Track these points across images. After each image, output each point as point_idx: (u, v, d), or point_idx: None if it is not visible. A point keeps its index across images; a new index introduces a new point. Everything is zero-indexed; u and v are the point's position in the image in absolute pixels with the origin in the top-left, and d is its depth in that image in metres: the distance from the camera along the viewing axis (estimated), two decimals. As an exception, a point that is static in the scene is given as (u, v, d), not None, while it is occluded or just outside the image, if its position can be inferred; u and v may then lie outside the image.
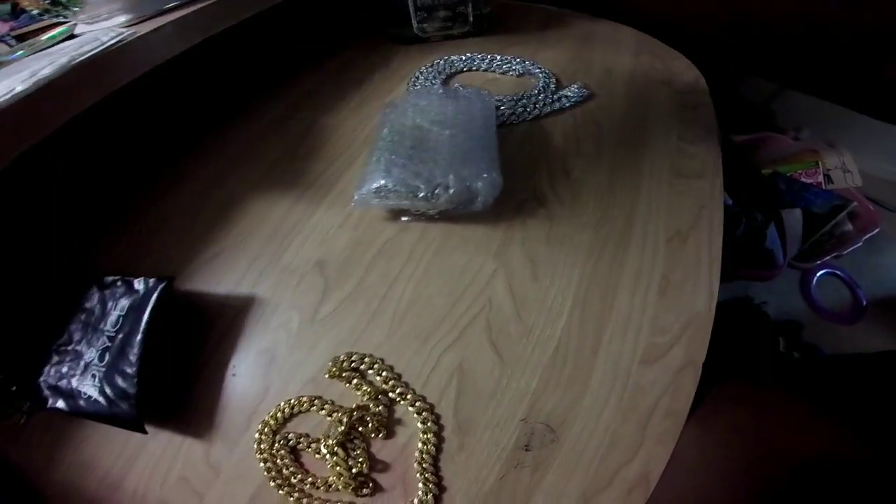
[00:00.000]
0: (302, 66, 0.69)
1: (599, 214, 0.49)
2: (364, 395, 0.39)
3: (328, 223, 0.50)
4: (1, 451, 0.39)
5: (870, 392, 0.43)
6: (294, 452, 0.38)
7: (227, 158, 0.57)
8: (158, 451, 0.38)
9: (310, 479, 0.36)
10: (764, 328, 0.96)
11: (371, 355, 0.41)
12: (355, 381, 0.40)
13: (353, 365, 0.41)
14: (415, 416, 0.38)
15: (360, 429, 0.38)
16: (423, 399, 0.39)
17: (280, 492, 0.35)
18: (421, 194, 0.45)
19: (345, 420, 0.38)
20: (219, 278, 0.47)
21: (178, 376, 0.41)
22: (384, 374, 0.40)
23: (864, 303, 1.22)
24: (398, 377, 0.40)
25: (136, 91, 0.47)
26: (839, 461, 0.38)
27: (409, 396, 0.39)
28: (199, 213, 0.52)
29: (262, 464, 0.37)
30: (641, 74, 0.66)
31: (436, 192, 0.45)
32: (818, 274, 1.28)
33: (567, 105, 0.60)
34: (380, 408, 0.38)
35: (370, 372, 0.40)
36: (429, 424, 0.37)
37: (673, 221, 0.47)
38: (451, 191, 0.44)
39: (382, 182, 0.45)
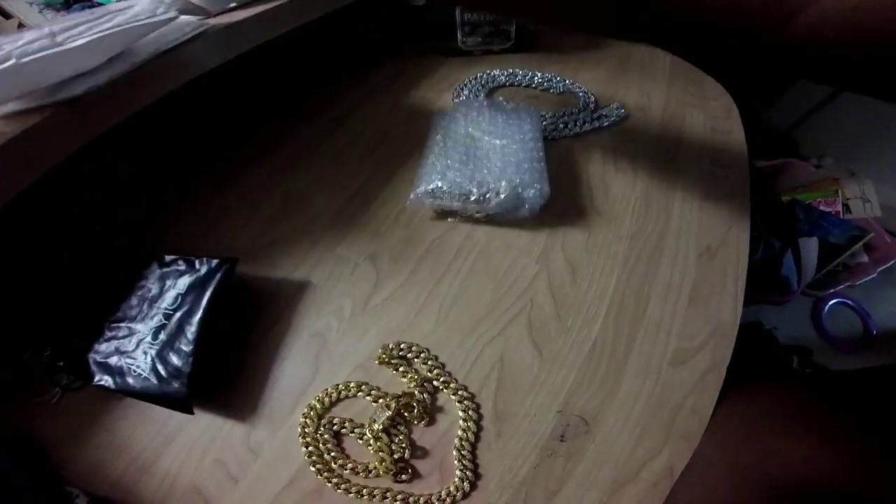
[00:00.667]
0: (351, 74, 0.72)
1: (635, 228, 0.52)
2: (410, 381, 0.41)
3: (381, 219, 0.53)
4: (32, 426, 0.39)
5: (882, 405, 0.44)
6: (337, 437, 0.39)
7: (286, 155, 0.60)
8: (197, 433, 0.39)
9: (350, 465, 0.37)
10: (774, 351, 0.97)
11: (418, 345, 0.43)
12: (402, 368, 0.42)
13: (401, 353, 0.43)
14: (456, 404, 0.40)
15: (406, 414, 0.39)
16: (465, 388, 0.41)
17: (319, 476, 0.36)
18: (473, 197, 0.48)
19: (392, 405, 0.39)
20: (276, 263, 0.49)
21: (230, 358, 0.42)
22: (430, 363, 0.42)
23: (875, 332, 1.22)
24: (442, 367, 0.42)
25: (203, 84, 0.49)
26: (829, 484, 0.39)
27: (451, 385, 0.41)
28: (259, 203, 0.54)
29: (303, 448, 0.37)
30: (676, 98, 0.69)
31: (486, 196, 0.48)
32: (830, 303, 1.28)
33: (605, 124, 0.62)
34: (424, 395, 0.40)
35: (417, 360, 0.43)
36: (469, 413, 0.39)
37: (703, 238, 0.50)
38: (503, 196, 0.47)
39: (438, 184, 0.48)
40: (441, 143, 0.53)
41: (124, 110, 0.41)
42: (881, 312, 1.26)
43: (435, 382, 0.42)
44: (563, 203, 0.53)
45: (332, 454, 0.37)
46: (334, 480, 0.36)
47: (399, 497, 0.35)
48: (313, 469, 0.36)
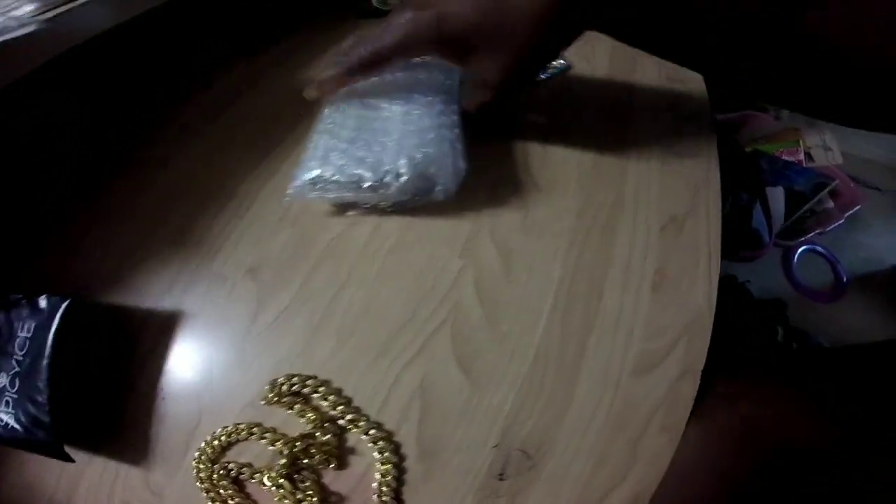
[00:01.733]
0: (246, 47, 0.59)
1: (582, 198, 0.41)
2: (308, 422, 0.32)
3: (264, 220, 0.41)
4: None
5: (871, 385, 0.38)
6: (237, 482, 0.31)
7: (159, 150, 0.48)
8: (96, 475, 0.32)
9: None
10: (754, 311, 0.89)
11: (315, 377, 0.33)
12: (298, 406, 0.32)
13: (293, 388, 0.33)
14: (369, 444, 0.31)
15: (305, 461, 0.31)
16: (379, 426, 0.31)
17: None
18: (366, 184, 0.36)
19: (285, 452, 0.31)
20: (144, 287, 0.38)
21: (103, 398, 0.35)
22: (331, 398, 0.32)
23: (845, 279, 1.17)
24: (348, 401, 0.32)
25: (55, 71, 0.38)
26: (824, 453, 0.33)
27: (361, 424, 0.31)
28: (127, 214, 0.43)
29: (203, 493, 0.31)
30: (624, 46, 0.57)
31: (384, 180, 0.36)
32: (800, 251, 1.22)
33: (542, 77, 0.51)
34: (328, 436, 0.31)
35: (315, 396, 0.33)
36: (386, 454, 0.30)
37: (666, 206, 0.39)
38: (403, 178, 0.36)
39: (318, 172, 0.37)
40: (328, 119, 0.42)
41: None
42: (848, 258, 1.22)
43: (340, 421, 0.32)
44: (490, 177, 0.43)
45: (236, 500, 0.30)
46: None
47: None
48: None
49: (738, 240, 0.98)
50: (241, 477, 0.31)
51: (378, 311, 0.35)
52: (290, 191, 0.38)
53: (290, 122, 0.48)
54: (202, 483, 0.31)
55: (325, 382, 0.33)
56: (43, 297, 0.34)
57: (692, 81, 0.52)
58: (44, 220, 0.43)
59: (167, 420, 0.33)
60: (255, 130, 0.48)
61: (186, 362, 0.35)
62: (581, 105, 0.50)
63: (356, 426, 0.31)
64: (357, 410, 0.32)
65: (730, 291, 1.02)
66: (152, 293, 0.38)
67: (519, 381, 0.32)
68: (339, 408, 0.32)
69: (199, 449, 0.32)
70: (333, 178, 0.37)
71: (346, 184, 0.37)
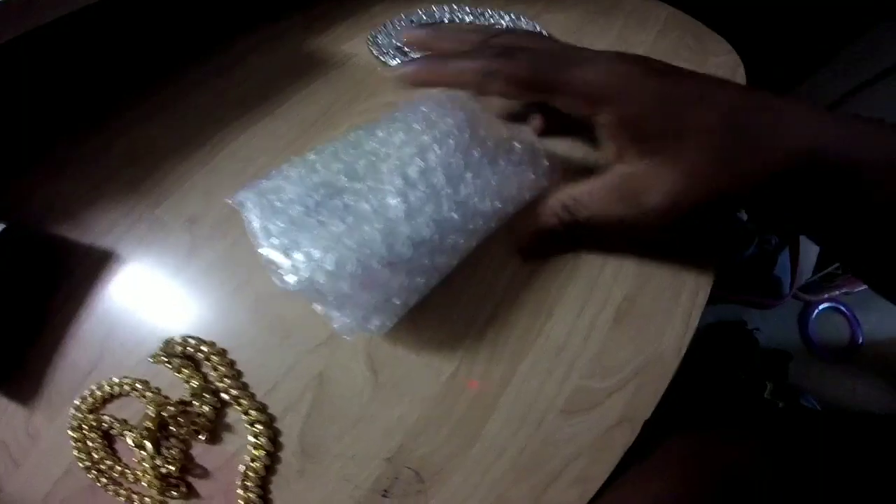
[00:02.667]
0: (255, 22, 0.53)
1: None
2: (190, 390, 0.28)
3: (221, 174, 0.37)
4: None
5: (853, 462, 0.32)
6: (108, 437, 0.28)
7: (147, 108, 0.43)
8: None
9: (118, 468, 0.27)
10: (751, 360, 0.80)
11: (213, 344, 0.29)
12: (186, 371, 0.28)
13: (187, 352, 0.29)
14: (246, 426, 0.27)
15: (173, 429, 0.27)
16: (263, 409, 0.27)
17: (89, 475, 0.27)
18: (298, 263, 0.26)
19: (151, 415, 0.27)
20: (91, 225, 0.35)
21: (15, 329, 0.31)
22: (221, 369, 0.28)
23: (861, 342, 1.05)
24: (237, 376, 0.28)
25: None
26: None
27: (243, 402, 0.27)
28: (100, 157, 0.39)
29: (72, 442, 0.28)
30: (666, 51, 0.50)
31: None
32: (820, 307, 1.10)
33: None
34: (206, 408, 0.27)
35: (206, 363, 0.28)
36: (262, 440, 0.26)
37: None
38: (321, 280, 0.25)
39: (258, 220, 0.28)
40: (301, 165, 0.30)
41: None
42: (872, 321, 1.10)
43: (223, 395, 0.27)
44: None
45: (101, 454, 0.27)
46: (103, 481, 0.27)
47: None
48: (81, 466, 0.27)
49: (756, 285, 0.88)
50: (112, 432, 0.28)
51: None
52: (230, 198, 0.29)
53: (278, 95, 0.43)
54: (74, 432, 0.28)
55: (221, 352, 0.29)
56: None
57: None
58: (22, 152, 0.40)
59: (65, 361, 0.30)
60: (247, 93, 0.43)
61: (103, 304, 0.32)
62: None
63: (238, 403, 0.27)
64: (244, 388, 0.28)
65: (735, 337, 0.93)
66: (94, 231, 0.35)
67: (429, 397, 0.27)
68: (226, 381, 0.28)
69: (81, 397, 0.28)
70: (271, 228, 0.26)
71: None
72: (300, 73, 0.45)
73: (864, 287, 1.07)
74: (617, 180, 0.27)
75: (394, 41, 0.48)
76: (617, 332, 0.29)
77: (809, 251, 0.91)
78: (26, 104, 0.41)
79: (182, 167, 0.38)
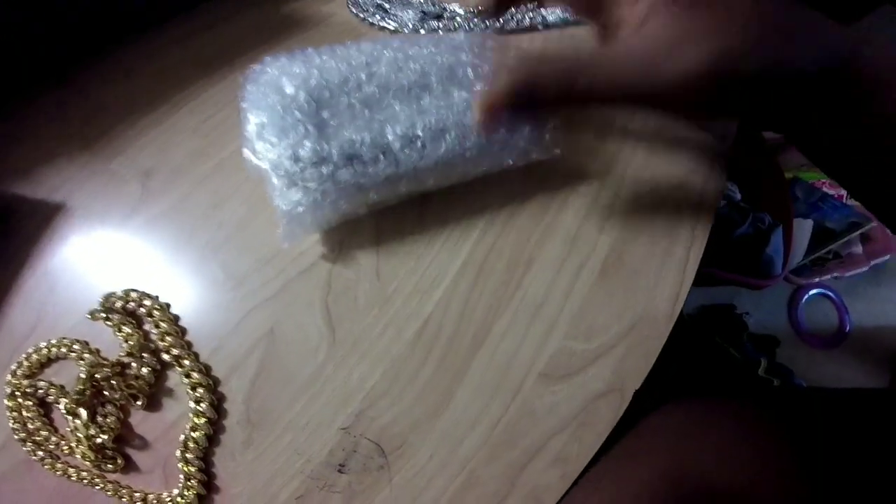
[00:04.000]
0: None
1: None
2: (131, 348, 0.23)
3: (179, 129, 0.33)
4: None
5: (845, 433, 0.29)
6: (44, 405, 0.24)
7: (120, 64, 0.38)
8: None
9: (54, 440, 0.23)
10: (740, 344, 0.75)
11: (155, 298, 0.25)
12: (126, 329, 0.24)
13: (129, 307, 0.25)
14: (188, 390, 0.22)
15: (108, 393, 0.23)
16: (206, 371, 0.23)
17: (24, 447, 0.23)
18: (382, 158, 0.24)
19: (83, 377, 0.23)
20: (43, 180, 0.31)
21: None
22: (163, 325, 0.24)
23: (848, 329, 1.01)
24: (180, 333, 0.24)
25: None
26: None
27: (185, 363, 0.23)
28: (61, 113, 0.35)
29: (7, 412, 0.24)
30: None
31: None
32: (810, 292, 1.06)
33: (541, 20, 0.39)
34: (144, 370, 0.23)
35: (149, 320, 0.24)
36: (203, 406, 0.22)
37: (650, 171, 0.28)
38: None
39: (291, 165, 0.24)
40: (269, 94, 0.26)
41: None
42: (860, 309, 1.05)
43: (164, 355, 0.23)
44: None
45: (36, 425, 0.23)
46: (39, 454, 0.23)
47: (110, 487, 0.22)
48: (17, 438, 0.23)
49: (747, 264, 0.83)
50: (48, 399, 0.24)
51: (251, 234, 0.26)
52: (281, 235, 0.24)
53: (251, 49, 0.39)
54: (8, 400, 0.24)
55: (164, 306, 0.24)
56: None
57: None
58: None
59: (4, 323, 0.26)
60: (215, 55, 0.39)
61: (42, 261, 0.27)
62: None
63: (179, 364, 0.23)
64: (186, 347, 0.23)
65: (725, 320, 0.88)
66: (46, 187, 0.30)
67: (391, 357, 0.22)
68: (168, 339, 0.24)
69: (17, 361, 0.24)
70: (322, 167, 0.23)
71: (346, 166, 0.23)
72: (273, 34, 0.41)
73: (854, 272, 1.03)
74: (638, 43, 0.21)
75: (374, -1, 0.43)
76: (603, 287, 0.25)
77: (803, 233, 0.86)
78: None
79: (140, 124, 0.34)
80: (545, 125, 0.25)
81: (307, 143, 0.23)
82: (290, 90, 0.24)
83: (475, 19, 0.40)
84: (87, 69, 0.38)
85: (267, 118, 0.23)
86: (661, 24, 0.20)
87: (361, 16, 0.42)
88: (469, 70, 0.26)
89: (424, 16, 0.40)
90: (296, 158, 0.23)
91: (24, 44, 0.37)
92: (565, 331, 0.23)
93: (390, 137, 0.23)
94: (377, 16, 0.41)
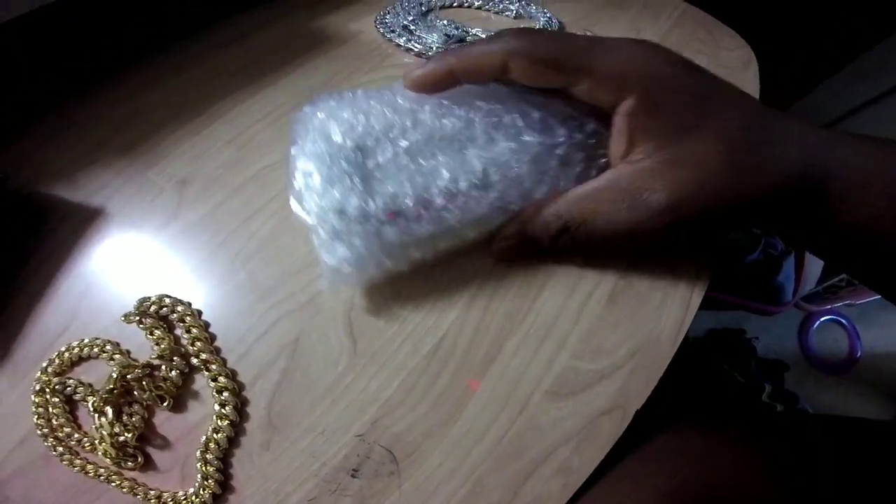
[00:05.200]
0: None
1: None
2: (161, 351, 0.25)
3: (214, 139, 0.35)
4: None
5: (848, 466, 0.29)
6: (70, 402, 0.25)
7: (155, 72, 0.41)
8: None
9: (76, 436, 0.24)
10: (748, 368, 0.76)
11: (188, 304, 0.27)
12: (158, 332, 0.26)
13: (162, 312, 0.27)
14: (213, 394, 0.24)
15: (136, 393, 0.24)
16: (232, 376, 0.25)
17: (45, 443, 0.24)
18: (438, 197, 0.24)
19: (114, 377, 0.24)
20: (83, 184, 0.33)
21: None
22: (194, 331, 0.26)
23: (859, 355, 1.00)
24: (210, 339, 0.25)
25: None
26: None
27: (213, 367, 0.24)
28: (103, 120, 0.37)
29: (33, 407, 0.25)
30: (678, 42, 0.47)
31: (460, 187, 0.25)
32: (822, 319, 1.05)
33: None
34: (173, 373, 0.25)
35: (180, 325, 0.26)
36: (227, 409, 0.24)
37: None
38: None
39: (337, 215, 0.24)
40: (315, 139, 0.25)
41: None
42: (872, 336, 1.05)
43: (193, 359, 0.25)
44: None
45: (61, 420, 0.25)
46: (59, 449, 0.24)
47: (126, 484, 0.23)
48: (39, 433, 0.24)
49: (757, 290, 0.84)
50: (76, 397, 0.25)
51: (278, 247, 0.28)
52: (326, 287, 0.26)
53: (281, 62, 0.41)
54: (36, 396, 0.25)
55: (196, 313, 0.26)
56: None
57: (746, 90, 0.41)
58: (22, 115, 0.37)
59: (37, 324, 0.27)
60: (248, 66, 0.41)
61: (80, 263, 0.29)
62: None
63: (207, 369, 0.24)
64: (215, 352, 0.25)
65: (733, 344, 0.88)
66: (84, 191, 0.32)
67: (408, 369, 0.24)
68: (198, 344, 0.25)
69: (49, 359, 0.26)
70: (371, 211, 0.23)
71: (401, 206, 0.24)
72: (303, 49, 0.43)
73: (868, 300, 1.02)
74: (621, 177, 0.24)
75: (401, 20, 0.45)
76: (611, 312, 0.26)
77: (815, 260, 0.86)
78: (29, 70, 0.39)
79: (177, 133, 0.36)
80: (590, 175, 0.26)
81: (353, 199, 0.23)
82: (337, 138, 0.24)
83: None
84: (122, 76, 0.40)
85: (314, 167, 0.24)
86: (640, 160, 0.23)
87: (388, 36, 0.44)
88: (517, 118, 0.25)
89: (448, 39, 0.42)
90: (341, 213, 0.23)
91: (70, 48, 0.40)
92: (573, 352, 0.25)
93: (434, 191, 0.24)
94: (403, 37, 0.43)
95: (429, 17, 0.47)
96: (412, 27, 0.44)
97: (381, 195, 0.23)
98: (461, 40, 0.42)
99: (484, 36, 0.42)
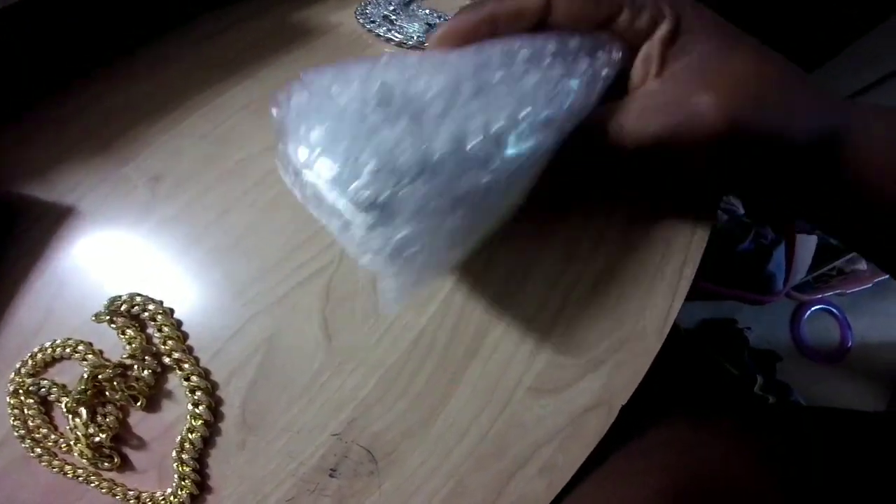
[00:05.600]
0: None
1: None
2: (133, 351, 0.24)
3: (190, 135, 0.34)
4: None
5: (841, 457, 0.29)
6: (45, 404, 0.25)
7: (130, 70, 0.39)
8: None
9: (53, 437, 0.24)
10: (740, 359, 0.76)
11: (159, 303, 0.26)
12: (130, 331, 0.25)
13: (133, 311, 0.26)
14: (187, 393, 0.23)
15: (109, 393, 0.24)
16: (205, 375, 0.24)
17: (23, 444, 0.24)
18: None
19: (86, 377, 0.24)
20: (56, 183, 0.32)
21: None
22: (166, 329, 0.25)
23: (850, 345, 1.01)
24: (182, 338, 0.25)
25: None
26: None
27: (186, 366, 0.24)
28: (77, 118, 0.36)
29: (9, 409, 0.25)
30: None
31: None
32: (812, 308, 1.06)
33: None
34: (145, 372, 0.24)
35: (151, 323, 0.25)
36: (201, 409, 0.23)
37: (646, 188, 0.28)
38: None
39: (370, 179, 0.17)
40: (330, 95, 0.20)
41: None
42: (863, 324, 1.05)
43: (165, 358, 0.24)
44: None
45: (36, 422, 0.25)
46: (37, 451, 0.24)
47: (105, 485, 0.23)
48: (16, 435, 0.24)
49: (748, 280, 0.84)
50: (50, 398, 0.25)
51: (255, 241, 0.27)
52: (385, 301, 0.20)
53: (259, 56, 0.40)
54: (11, 397, 0.25)
55: (168, 311, 0.25)
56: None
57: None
58: (2, 113, 0.36)
59: (11, 325, 0.27)
60: (225, 61, 0.40)
61: (53, 263, 0.28)
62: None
63: (180, 368, 0.24)
64: (188, 351, 0.24)
65: (725, 334, 0.88)
66: (58, 190, 0.32)
67: (386, 366, 0.23)
68: (170, 343, 0.24)
69: (22, 360, 0.25)
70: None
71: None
72: (283, 42, 0.42)
73: (858, 289, 1.03)
74: (659, 86, 0.21)
75: (382, 10, 0.44)
76: (594, 303, 0.25)
77: (806, 249, 0.86)
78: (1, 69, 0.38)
79: (153, 129, 0.35)
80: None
81: (407, 148, 0.16)
82: (355, 86, 0.18)
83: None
84: (99, 73, 0.39)
85: (329, 126, 0.17)
86: (680, 69, 0.21)
87: (368, 27, 0.43)
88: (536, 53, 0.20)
89: (430, 28, 0.41)
90: (391, 170, 0.16)
91: (42, 46, 0.39)
92: (555, 346, 0.24)
93: (497, 128, 0.18)
94: (384, 27, 0.42)
95: (410, 7, 0.46)
96: (393, 17, 0.43)
97: (441, 137, 0.17)
98: (444, 29, 0.41)
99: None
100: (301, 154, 0.18)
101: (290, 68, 0.39)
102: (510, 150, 0.18)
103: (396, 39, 0.40)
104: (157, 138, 0.34)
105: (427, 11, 0.43)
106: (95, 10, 0.40)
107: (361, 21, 0.43)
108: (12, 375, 0.25)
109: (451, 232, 0.18)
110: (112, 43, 0.41)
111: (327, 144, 0.17)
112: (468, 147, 0.17)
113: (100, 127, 0.35)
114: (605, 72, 0.21)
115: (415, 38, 0.40)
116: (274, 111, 0.20)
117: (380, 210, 0.17)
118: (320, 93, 0.19)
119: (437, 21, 0.42)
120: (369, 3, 0.45)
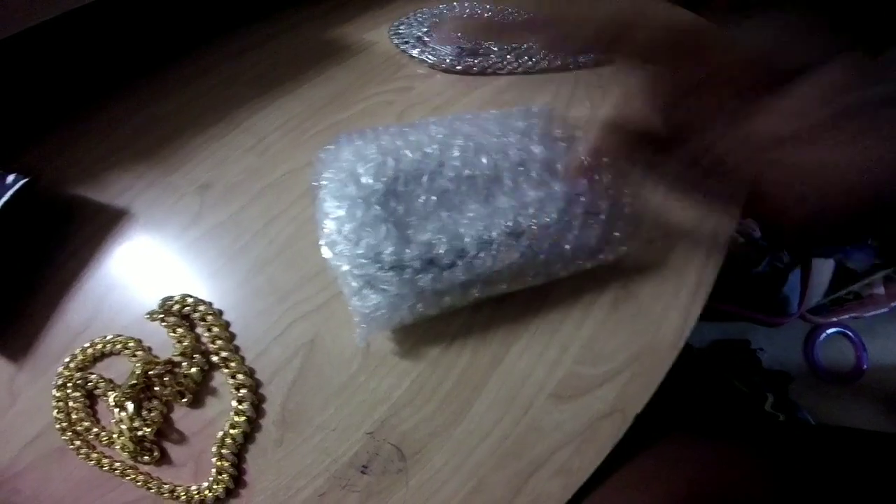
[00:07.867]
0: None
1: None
2: (183, 349, 0.27)
3: (235, 146, 0.36)
4: None
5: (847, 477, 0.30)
6: (90, 397, 0.27)
7: (171, 80, 0.43)
8: None
9: (94, 430, 0.26)
10: (753, 375, 0.76)
11: (209, 304, 0.28)
12: (181, 330, 0.27)
13: (184, 311, 0.28)
14: (232, 390, 0.25)
15: (156, 388, 0.26)
16: (250, 373, 0.26)
17: (63, 436, 0.25)
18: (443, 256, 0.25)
19: (137, 372, 0.26)
20: (106, 186, 0.35)
21: (17, 281, 0.30)
22: (215, 329, 0.27)
23: (865, 367, 1.00)
24: (229, 338, 0.27)
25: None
26: None
27: (232, 365, 0.26)
28: (127, 125, 0.39)
29: (53, 402, 0.26)
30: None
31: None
32: (828, 331, 1.05)
33: (573, 61, 0.42)
34: (193, 370, 0.26)
35: (202, 324, 0.27)
36: (244, 406, 0.25)
37: (666, 211, 0.30)
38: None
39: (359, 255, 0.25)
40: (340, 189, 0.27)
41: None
42: (878, 347, 1.04)
43: (213, 357, 0.26)
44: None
45: (80, 414, 0.26)
46: (77, 443, 0.25)
47: (140, 478, 0.24)
48: (57, 427, 0.25)
49: (762, 302, 0.84)
50: (96, 392, 0.27)
51: (297, 251, 0.30)
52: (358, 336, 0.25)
53: (296, 72, 0.43)
54: (57, 390, 0.27)
55: (217, 313, 0.27)
56: (12, 174, 0.31)
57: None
58: (50, 118, 0.39)
59: (60, 321, 0.29)
60: (264, 75, 0.43)
61: (104, 263, 0.31)
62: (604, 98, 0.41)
63: (226, 366, 0.26)
64: (234, 350, 0.26)
65: (738, 355, 0.89)
66: (109, 192, 0.34)
67: (418, 370, 0.25)
68: (218, 342, 0.27)
69: (72, 354, 0.27)
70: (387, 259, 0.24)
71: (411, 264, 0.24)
72: (318, 59, 0.44)
73: (874, 313, 1.02)
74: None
75: (415, 31, 0.47)
76: (613, 319, 0.27)
77: (822, 272, 0.87)
78: (57, 75, 0.41)
79: (198, 139, 0.37)
80: (615, 223, 0.27)
81: (389, 246, 0.24)
82: (367, 180, 0.25)
83: (509, 56, 0.43)
84: (140, 83, 0.42)
85: (346, 212, 0.24)
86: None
87: (402, 47, 0.45)
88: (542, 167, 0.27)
89: (461, 51, 0.44)
90: (377, 260, 0.24)
91: (90, 56, 0.41)
92: (575, 356, 0.26)
93: (467, 240, 0.24)
94: (417, 48, 0.45)
95: (443, 30, 0.48)
96: (426, 38, 0.46)
97: (417, 243, 0.24)
98: (474, 53, 0.44)
99: (496, 49, 0.44)
100: (326, 227, 0.25)
101: (325, 86, 0.41)
102: (473, 260, 0.25)
103: (429, 61, 0.43)
104: (202, 149, 0.37)
105: (458, 35, 0.46)
106: (135, 23, 0.43)
107: (395, 41, 0.46)
108: (60, 369, 0.27)
109: (409, 307, 0.24)
110: (150, 55, 0.44)
111: (339, 227, 0.25)
112: (433, 252, 0.24)
113: (141, 135, 0.38)
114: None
115: (447, 60, 0.43)
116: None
117: (361, 282, 0.24)
118: (344, 170, 0.26)
119: (468, 45, 0.44)
120: (402, 24, 0.48)
